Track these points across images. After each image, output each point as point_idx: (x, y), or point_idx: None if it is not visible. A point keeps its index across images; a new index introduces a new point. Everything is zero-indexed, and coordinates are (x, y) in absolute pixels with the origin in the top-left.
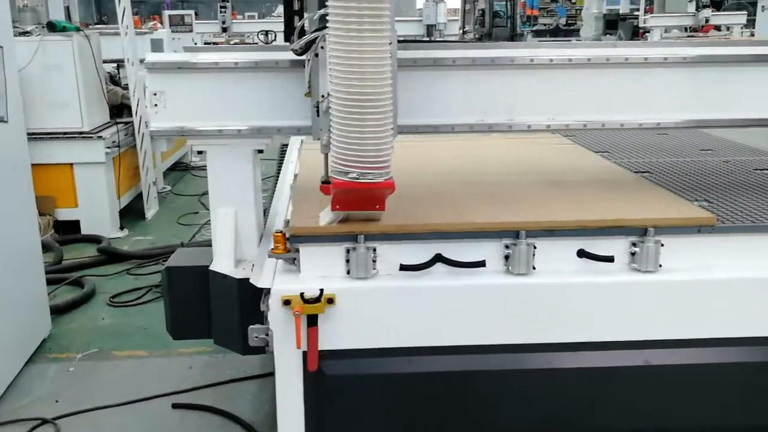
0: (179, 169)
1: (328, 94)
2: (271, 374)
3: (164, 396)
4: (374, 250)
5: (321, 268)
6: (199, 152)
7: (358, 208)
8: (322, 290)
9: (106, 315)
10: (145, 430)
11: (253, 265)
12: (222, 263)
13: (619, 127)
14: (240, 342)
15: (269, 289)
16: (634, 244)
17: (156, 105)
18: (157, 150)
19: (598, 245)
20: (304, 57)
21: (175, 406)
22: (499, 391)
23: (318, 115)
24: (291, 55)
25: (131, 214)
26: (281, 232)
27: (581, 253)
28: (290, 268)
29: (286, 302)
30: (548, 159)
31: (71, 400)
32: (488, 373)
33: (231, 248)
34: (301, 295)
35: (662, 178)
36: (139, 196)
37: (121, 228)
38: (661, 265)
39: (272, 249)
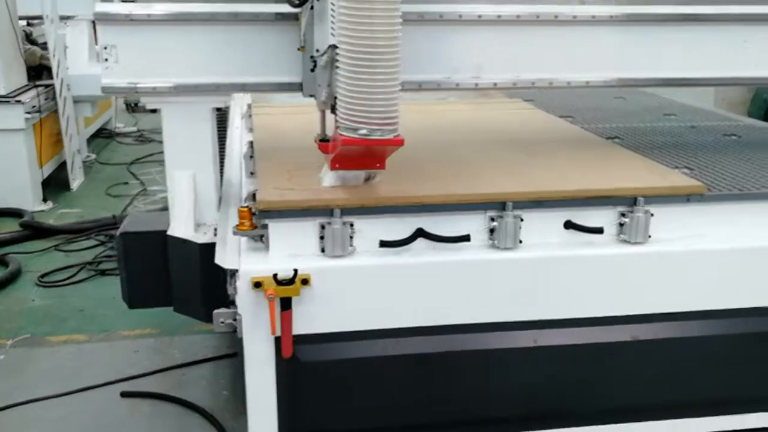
0: (103, 135)
1: (331, 48)
2: (227, 356)
3: (109, 384)
4: (351, 225)
5: (291, 246)
6: (153, 111)
7: (359, 167)
8: (296, 270)
9: (36, 296)
10: (91, 422)
11: (215, 230)
12: (180, 228)
13: (548, 86)
14: (202, 309)
15: (236, 270)
16: (623, 215)
17: (107, 59)
18: (81, 115)
19: (585, 216)
20: (299, 9)
21: (123, 394)
22: (486, 372)
23: (312, 70)
24: (248, 7)
25: (55, 184)
26: (247, 206)
27: (568, 225)
28: (256, 246)
29: (257, 284)
30: (515, 124)
31: (4, 392)
32: (476, 353)
33: (190, 212)
34: (274, 276)
35: (634, 143)
36: (63, 165)
37: (45, 200)
38: (650, 236)
39: (237, 225)
